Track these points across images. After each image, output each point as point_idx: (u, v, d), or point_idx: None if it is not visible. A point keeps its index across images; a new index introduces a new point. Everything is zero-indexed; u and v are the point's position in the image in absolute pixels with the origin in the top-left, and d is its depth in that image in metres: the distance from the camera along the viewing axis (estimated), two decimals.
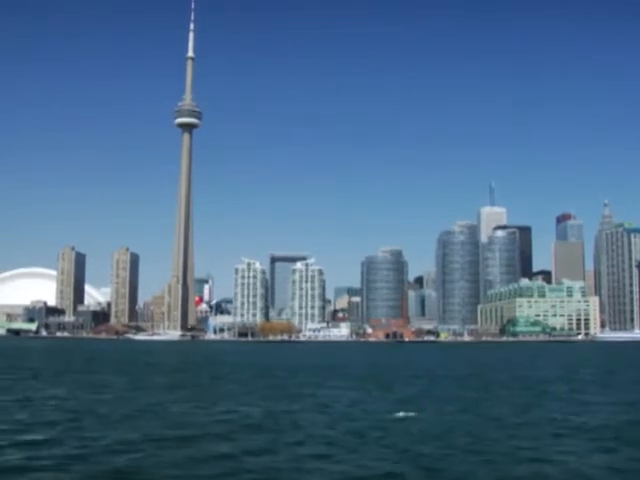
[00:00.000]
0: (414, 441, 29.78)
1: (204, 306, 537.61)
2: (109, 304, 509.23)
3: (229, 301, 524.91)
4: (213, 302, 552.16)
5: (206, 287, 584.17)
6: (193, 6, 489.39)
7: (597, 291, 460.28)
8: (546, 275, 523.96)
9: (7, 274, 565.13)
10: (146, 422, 35.15)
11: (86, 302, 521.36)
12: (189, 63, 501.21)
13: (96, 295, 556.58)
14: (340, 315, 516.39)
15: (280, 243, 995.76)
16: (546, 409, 42.87)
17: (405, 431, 32.71)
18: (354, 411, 40.60)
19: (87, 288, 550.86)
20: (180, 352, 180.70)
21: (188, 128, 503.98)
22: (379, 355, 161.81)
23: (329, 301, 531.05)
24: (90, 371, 79.62)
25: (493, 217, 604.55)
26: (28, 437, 30.08)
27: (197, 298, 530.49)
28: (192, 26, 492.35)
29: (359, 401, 46.37)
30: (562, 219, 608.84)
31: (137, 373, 79.03)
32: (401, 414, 38.15)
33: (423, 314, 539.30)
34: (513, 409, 42.47)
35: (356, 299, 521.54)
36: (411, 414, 38.27)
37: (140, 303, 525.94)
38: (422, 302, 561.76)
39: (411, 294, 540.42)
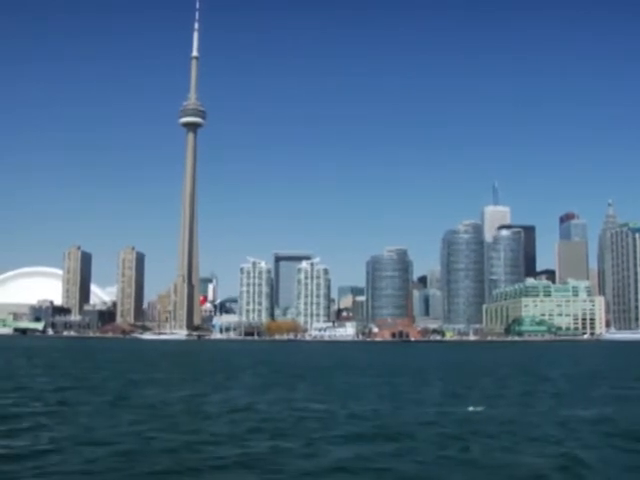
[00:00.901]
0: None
1: (208, 305, 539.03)
2: (114, 303, 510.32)
3: (233, 300, 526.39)
4: (217, 301, 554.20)
5: (210, 286, 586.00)
6: (198, 6, 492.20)
7: (601, 290, 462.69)
8: (550, 274, 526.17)
9: (13, 273, 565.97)
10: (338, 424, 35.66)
11: (92, 301, 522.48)
12: (193, 63, 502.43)
13: (101, 294, 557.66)
14: (344, 314, 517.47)
15: (284, 242, 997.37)
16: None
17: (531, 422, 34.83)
18: (448, 405, 42.55)
19: (92, 287, 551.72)
20: (205, 351, 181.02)
21: (193, 127, 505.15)
22: (400, 355, 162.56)
23: (333, 300, 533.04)
24: (151, 371, 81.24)
25: (497, 216, 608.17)
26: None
27: (201, 298, 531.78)
28: (197, 26, 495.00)
29: (446, 396, 48.53)
30: (565, 218, 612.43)
31: (209, 373, 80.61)
32: (478, 410, 40.35)
33: (427, 313, 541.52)
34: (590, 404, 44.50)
35: (361, 298, 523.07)
36: (482, 409, 40.66)
37: (145, 302, 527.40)
38: (426, 301, 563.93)
39: (415, 293, 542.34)
